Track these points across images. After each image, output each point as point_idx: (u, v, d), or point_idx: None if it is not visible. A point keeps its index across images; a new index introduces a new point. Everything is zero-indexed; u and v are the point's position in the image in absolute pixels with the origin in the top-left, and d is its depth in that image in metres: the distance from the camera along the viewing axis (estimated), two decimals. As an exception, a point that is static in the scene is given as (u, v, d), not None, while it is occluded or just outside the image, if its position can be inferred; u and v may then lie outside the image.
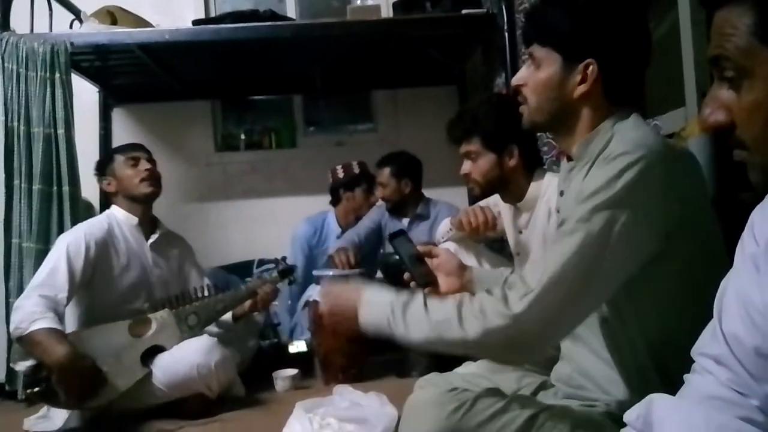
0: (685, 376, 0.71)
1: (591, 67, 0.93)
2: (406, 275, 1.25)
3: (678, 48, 1.60)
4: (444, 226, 1.93)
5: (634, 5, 0.99)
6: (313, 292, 2.27)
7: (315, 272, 2.39)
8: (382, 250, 2.87)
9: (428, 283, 1.22)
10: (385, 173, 2.74)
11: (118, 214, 2.12)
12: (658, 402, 0.66)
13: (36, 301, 1.78)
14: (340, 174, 2.89)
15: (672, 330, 0.87)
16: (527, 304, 0.82)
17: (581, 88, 0.95)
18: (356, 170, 2.90)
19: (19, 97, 2.33)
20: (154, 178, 2.12)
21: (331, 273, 2.31)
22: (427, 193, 2.88)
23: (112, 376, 1.79)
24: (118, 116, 3.41)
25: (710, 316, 0.82)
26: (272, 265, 2.27)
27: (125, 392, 1.82)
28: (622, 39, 0.94)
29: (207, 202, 3.51)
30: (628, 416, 0.71)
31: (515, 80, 1.03)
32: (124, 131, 3.41)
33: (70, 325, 1.96)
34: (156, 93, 3.34)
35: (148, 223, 2.16)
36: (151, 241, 2.13)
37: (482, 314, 0.85)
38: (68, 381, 1.69)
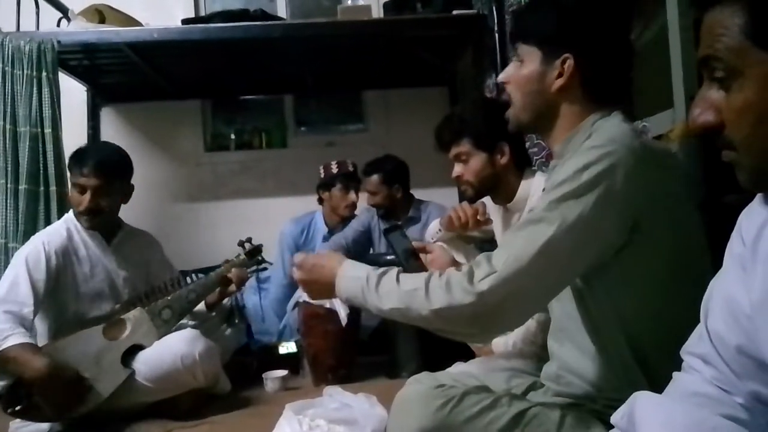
0: (674, 374, 0.72)
1: (568, 62, 0.97)
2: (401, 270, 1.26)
3: (666, 51, 1.62)
4: (433, 227, 1.94)
5: (616, 7, 1.03)
6: (303, 294, 2.26)
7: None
8: (372, 251, 2.87)
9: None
10: (374, 181, 2.72)
11: (76, 220, 2.00)
12: (641, 400, 0.67)
13: (2, 318, 1.71)
14: (333, 169, 2.87)
15: (650, 323, 0.90)
16: (490, 283, 0.85)
17: (558, 82, 0.98)
18: (350, 167, 2.87)
19: (5, 95, 2.31)
20: (90, 213, 1.93)
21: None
22: (417, 194, 2.88)
23: (94, 383, 1.77)
24: (106, 115, 3.39)
25: (688, 311, 0.85)
26: (240, 248, 2.23)
27: (111, 395, 1.80)
28: (600, 36, 0.98)
29: (197, 202, 3.49)
30: (614, 417, 0.72)
31: (501, 77, 1.06)
32: (112, 131, 3.39)
33: (41, 338, 1.92)
34: (145, 92, 3.32)
35: (108, 228, 2.05)
36: (112, 245, 2.04)
37: (448, 287, 0.87)
38: (51, 393, 1.66)
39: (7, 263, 2.24)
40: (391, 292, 0.92)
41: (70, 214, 2.04)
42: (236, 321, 2.44)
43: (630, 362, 0.90)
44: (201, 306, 2.12)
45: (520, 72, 1.02)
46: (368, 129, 3.72)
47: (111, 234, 2.06)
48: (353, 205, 2.87)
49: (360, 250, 2.84)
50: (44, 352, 1.71)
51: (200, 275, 2.13)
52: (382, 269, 0.97)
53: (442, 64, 3.14)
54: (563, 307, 1.01)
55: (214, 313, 2.19)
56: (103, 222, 1.99)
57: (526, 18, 1.05)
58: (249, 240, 2.28)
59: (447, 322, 0.89)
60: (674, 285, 0.89)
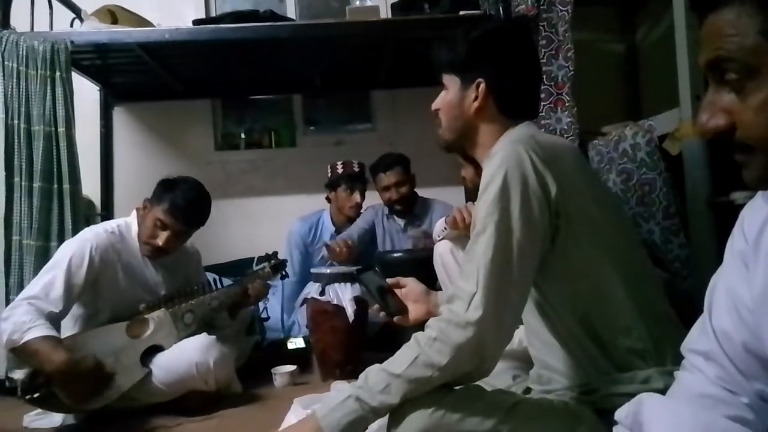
0: (675, 374, 0.72)
1: (481, 86, 1.09)
2: (376, 307, 1.30)
3: (672, 51, 1.62)
4: (439, 225, 1.95)
5: (519, 33, 1.16)
6: (311, 290, 2.29)
7: (312, 270, 2.40)
8: (377, 250, 2.89)
9: (399, 311, 1.28)
10: (397, 172, 2.75)
11: (133, 227, 2.02)
12: (648, 402, 0.67)
13: (26, 310, 1.72)
14: (339, 169, 2.89)
15: (592, 299, 0.97)
16: (477, 305, 0.89)
17: (475, 104, 1.09)
18: (355, 167, 2.89)
19: (19, 95, 2.34)
20: (159, 251, 1.98)
21: (327, 270, 2.33)
22: (424, 192, 2.90)
23: (114, 377, 1.79)
24: (118, 115, 3.42)
25: (624, 281, 0.95)
26: (265, 262, 2.28)
27: (125, 393, 1.83)
28: (506, 60, 1.09)
29: (206, 200, 3.51)
30: (618, 414, 0.72)
31: (433, 105, 1.17)
32: (124, 130, 3.43)
33: (68, 324, 1.94)
34: (156, 92, 3.35)
35: None
36: (158, 260, 2.06)
37: (442, 335, 0.90)
38: (71, 385, 1.68)
39: (20, 260, 2.28)
40: (389, 383, 0.90)
41: (129, 221, 2.04)
42: (256, 331, 2.48)
43: (586, 343, 0.97)
44: (224, 313, 2.15)
45: (445, 99, 1.14)
46: (376, 128, 3.74)
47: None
48: (358, 206, 2.87)
49: (365, 248, 2.87)
50: (65, 345, 1.72)
51: (225, 282, 2.16)
52: (358, 382, 0.94)
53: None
54: (528, 310, 1.07)
55: (233, 320, 2.21)
56: (153, 258, 2.03)
57: (444, 50, 1.15)
58: (275, 254, 2.32)
59: (462, 366, 0.90)
60: (609, 265, 0.96)
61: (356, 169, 2.88)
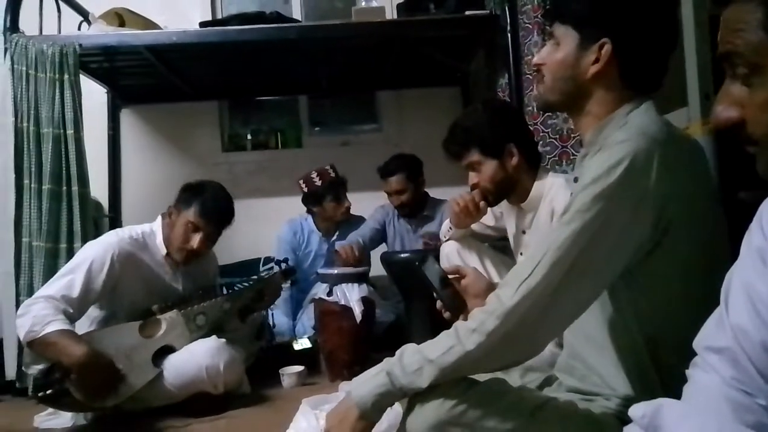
0: (688, 372, 0.71)
1: (605, 47, 0.92)
2: (438, 304, 1.21)
3: (681, 49, 1.61)
4: (445, 225, 1.95)
5: None
6: (318, 290, 2.29)
7: (320, 270, 2.41)
8: (386, 248, 2.89)
9: (457, 307, 1.19)
10: (399, 180, 2.73)
11: (157, 236, 2.02)
12: (667, 408, 0.65)
13: (44, 305, 1.74)
14: (317, 181, 2.76)
15: (669, 326, 0.87)
16: (520, 294, 0.82)
17: (594, 68, 0.94)
18: (331, 174, 2.78)
19: (28, 98, 2.35)
20: (192, 255, 2.01)
21: (335, 271, 2.33)
22: (433, 192, 2.90)
23: (126, 375, 1.81)
24: (126, 117, 3.44)
25: (707, 314, 0.83)
26: (275, 266, 2.30)
27: (135, 393, 1.83)
28: (641, 21, 0.92)
29: (213, 201, 3.53)
30: (634, 412, 0.70)
31: (536, 59, 1.02)
32: (132, 132, 3.45)
33: (84, 322, 1.95)
34: (164, 94, 3.37)
35: None
36: (182, 269, 2.07)
37: (479, 324, 0.85)
38: (88, 379, 1.69)
39: (30, 261, 2.30)
40: (422, 366, 0.88)
41: (154, 228, 2.04)
42: (264, 336, 2.49)
43: (645, 362, 0.89)
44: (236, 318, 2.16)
45: (555, 55, 0.97)
46: (382, 129, 3.74)
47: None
48: (348, 210, 2.83)
49: (375, 247, 2.87)
50: (84, 340, 1.74)
51: (237, 286, 2.17)
52: (392, 358, 0.92)
53: (455, 64, 3.15)
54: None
55: (244, 323, 2.22)
56: (185, 263, 2.04)
57: None
58: (286, 260, 2.37)
59: (489, 355, 0.86)
60: (696, 288, 0.86)
61: (333, 175, 2.79)
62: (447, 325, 0.98)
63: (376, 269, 2.56)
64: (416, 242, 2.73)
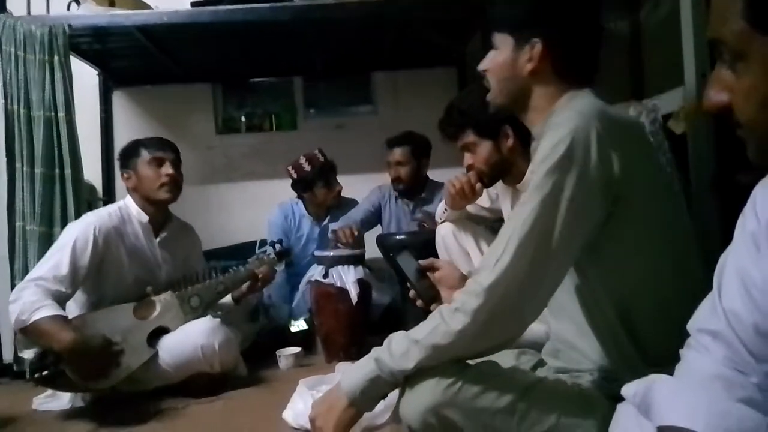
0: (681, 352, 0.72)
1: (536, 46, 1.01)
2: (412, 293, 1.25)
3: (677, 29, 1.60)
4: (441, 207, 1.96)
5: None
6: (315, 272, 2.30)
7: (316, 252, 2.41)
8: (381, 230, 2.89)
9: (433, 298, 1.23)
10: (402, 152, 2.73)
11: (131, 208, 2.06)
12: (659, 384, 0.66)
13: (34, 291, 1.75)
14: (306, 167, 2.73)
15: (639, 296, 0.92)
16: (497, 273, 0.87)
17: (529, 66, 1.02)
18: (321, 158, 2.75)
19: (18, 80, 2.32)
20: (174, 183, 2.05)
21: (331, 253, 2.34)
22: (429, 174, 2.89)
23: (120, 357, 1.81)
24: (118, 99, 3.41)
25: (676, 280, 0.88)
26: (269, 247, 2.29)
27: (131, 374, 1.84)
28: (567, 20, 1.02)
29: (208, 184, 3.52)
30: (626, 391, 0.71)
31: (480, 66, 1.11)
32: (124, 114, 3.42)
33: (73, 308, 1.96)
34: (156, 76, 3.33)
35: (160, 220, 2.12)
36: (160, 238, 2.10)
37: (462, 305, 0.89)
38: (80, 363, 1.69)
39: (24, 245, 2.29)
40: (409, 348, 0.92)
41: (127, 201, 2.08)
42: (260, 318, 2.49)
43: (622, 337, 0.93)
44: (228, 298, 2.17)
45: (496, 60, 1.07)
46: (377, 111, 3.72)
47: (160, 227, 2.11)
48: (339, 195, 2.82)
49: (369, 229, 2.87)
50: (74, 325, 1.74)
51: (232, 269, 2.17)
52: (380, 346, 0.95)
53: (451, 45, 3.12)
54: (562, 287, 1.01)
55: (238, 305, 2.23)
56: (173, 199, 2.08)
57: (497, 7, 1.10)
58: (280, 241, 2.36)
59: (475, 335, 0.89)
60: (660, 258, 0.92)
61: (322, 159, 2.75)
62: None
63: (372, 251, 2.56)
64: (413, 225, 2.73)
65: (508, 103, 1.08)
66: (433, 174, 2.88)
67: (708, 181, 1.52)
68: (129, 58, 3.04)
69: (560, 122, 0.92)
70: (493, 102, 1.10)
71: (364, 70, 3.65)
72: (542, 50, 1.01)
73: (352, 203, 2.92)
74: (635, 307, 0.92)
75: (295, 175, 2.77)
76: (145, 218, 2.06)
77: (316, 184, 2.75)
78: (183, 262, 2.19)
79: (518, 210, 0.91)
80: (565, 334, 1.04)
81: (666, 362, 0.88)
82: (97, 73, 3.21)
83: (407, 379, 0.94)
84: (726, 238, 0.70)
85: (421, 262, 1.29)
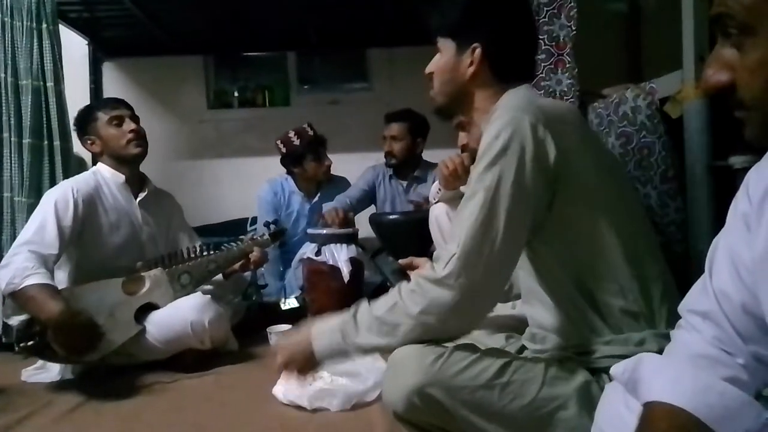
0: (672, 333, 0.73)
1: (477, 51, 1.07)
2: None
3: (674, 11, 1.59)
4: (434, 187, 1.95)
5: None
6: (307, 250, 2.29)
7: (309, 230, 2.40)
8: (375, 209, 2.89)
9: None
10: (399, 127, 2.73)
11: (104, 172, 2.07)
12: (646, 361, 0.67)
13: (26, 257, 1.75)
14: (295, 141, 2.69)
15: (588, 265, 0.98)
16: (453, 265, 0.92)
17: (470, 70, 1.08)
18: (310, 132, 2.70)
19: (5, 47, 2.27)
20: (140, 138, 2.05)
21: (324, 231, 2.33)
22: (424, 154, 2.88)
23: (106, 332, 1.79)
24: (108, 70, 3.35)
25: (622, 246, 0.95)
26: (264, 228, 2.28)
27: (120, 348, 1.84)
28: (502, 27, 1.08)
29: (200, 159, 3.49)
30: (615, 370, 0.73)
31: (427, 69, 1.15)
32: (114, 86, 3.36)
33: (62, 283, 1.94)
34: (147, 47, 3.28)
35: (136, 181, 2.12)
36: (139, 198, 2.10)
37: (420, 288, 0.95)
38: (64, 336, 1.68)
39: (12, 217, 2.27)
40: (370, 323, 0.97)
41: (99, 167, 2.09)
42: (253, 297, 2.49)
43: (584, 307, 0.98)
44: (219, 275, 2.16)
45: (439, 63, 1.12)
46: (372, 88, 3.68)
47: (138, 189, 2.11)
48: (329, 169, 2.78)
49: (363, 209, 2.86)
50: (62, 297, 1.73)
51: (225, 246, 2.16)
52: (348, 313, 1.00)
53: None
54: (523, 269, 1.08)
55: (228, 281, 2.23)
56: (144, 153, 2.07)
57: (439, 13, 1.12)
58: (275, 222, 2.35)
59: (435, 320, 0.94)
60: (602, 227, 0.97)
61: (311, 133, 2.71)
62: None
63: (365, 230, 2.56)
64: (407, 204, 2.72)
65: (449, 104, 1.13)
66: (428, 155, 2.86)
67: (702, 164, 1.52)
68: (119, 28, 2.98)
69: (496, 118, 0.98)
70: (436, 102, 1.15)
71: (360, 45, 3.61)
72: (481, 54, 1.06)
73: (342, 180, 2.91)
74: (590, 276, 0.97)
75: (284, 149, 2.74)
76: (122, 178, 2.06)
77: (306, 158, 2.71)
78: (166, 228, 2.19)
79: (464, 204, 0.96)
80: (537, 317, 1.09)
81: (627, 326, 0.96)
82: (86, 43, 3.15)
83: (391, 362, 0.97)
84: (719, 222, 0.71)
85: (400, 261, 1.32)
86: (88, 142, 2.07)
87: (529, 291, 1.10)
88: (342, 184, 2.89)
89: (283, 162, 2.80)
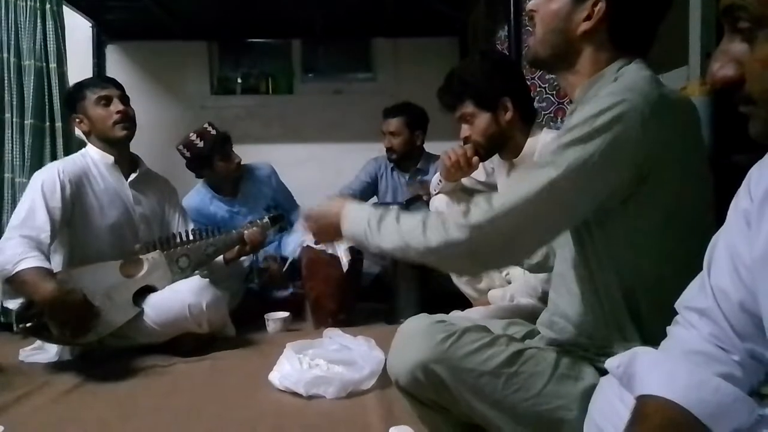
0: (668, 329, 0.73)
1: (599, 5, 0.92)
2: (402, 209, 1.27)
3: (681, 5, 1.57)
4: (435, 179, 1.94)
5: None
6: (306, 238, 2.29)
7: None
8: (377, 200, 2.89)
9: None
10: (397, 122, 2.72)
11: (93, 153, 2.04)
12: (641, 356, 0.67)
13: (19, 242, 1.73)
14: (199, 143, 2.53)
15: (648, 277, 0.89)
16: (485, 220, 0.86)
17: (585, 25, 0.93)
18: (212, 131, 2.55)
19: (8, 27, 2.26)
20: (128, 119, 2.02)
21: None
22: (426, 146, 2.87)
23: (103, 314, 1.80)
24: (111, 53, 3.34)
25: (689, 266, 0.81)
26: (264, 212, 2.28)
27: (118, 330, 1.84)
28: None
29: (201, 145, 3.47)
30: (610, 364, 0.73)
31: (530, 5, 1.00)
32: (117, 69, 3.34)
33: (59, 266, 1.93)
34: (151, 31, 3.26)
35: (126, 162, 2.09)
36: (130, 179, 2.08)
37: (444, 225, 0.89)
38: (60, 317, 1.69)
39: (13, 197, 2.27)
40: (392, 232, 0.95)
41: (88, 148, 2.06)
42: (255, 281, 2.48)
43: (623, 314, 0.91)
44: (219, 259, 2.16)
45: (549, 5, 0.96)
46: (376, 78, 3.67)
47: (129, 170, 2.09)
48: (239, 165, 2.63)
49: (365, 201, 2.85)
50: (58, 279, 1.73)
51: (224, 230, 2.15)
52: (381, 211, 0.99)
53: (454, 13, 3.06)
54: (562, 252, 1.01)
55: (228, 266, 2.21)
56: (131, 135, 2.04)
57: None
58: (275, 206, 2.35)
59: (442, 258, 0.92)
60: (675, 241, 0.88)
61: (214, 132, 2.55)
62: (433, 283, 1.02)
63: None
64: (409, 196, 2.72)
65: (549, 57, 0.98)
66: (430, 146, 2.86)
67: (708, 158, 1.51)
68: (123, 11, 2.96)
69: (607, 94, 0.86)
70: (533, 51, 1.00)
71: (365, 35, 3.59)
72: (605, 11, 0.92)
73: (259, 170, 2.74)
74: (642, 286, 0.89)
75: (188, 154, 2.55)
76: (111, 159, 2.04)
77: (213, 159, 2.55)
78: (160, 209, 2.17)
79: (531, 171, 0.87)
80: (564, 308, 1.02)
81: (660, 337, 0.88)
82: (90, 25, 3.14)
83: (399, 334, 0.97)
84: (720, 221, 0.70)
85: None
86: (77, 120, 2.05)
87: (559, 275, 1.03)
88: (259, 174, 2.73)
89: (189, 166, 2.60)
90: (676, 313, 0.83)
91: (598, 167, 0.83)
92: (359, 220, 1.00)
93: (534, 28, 1.00)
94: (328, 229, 1.07)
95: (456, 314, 1.38)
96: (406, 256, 0.94)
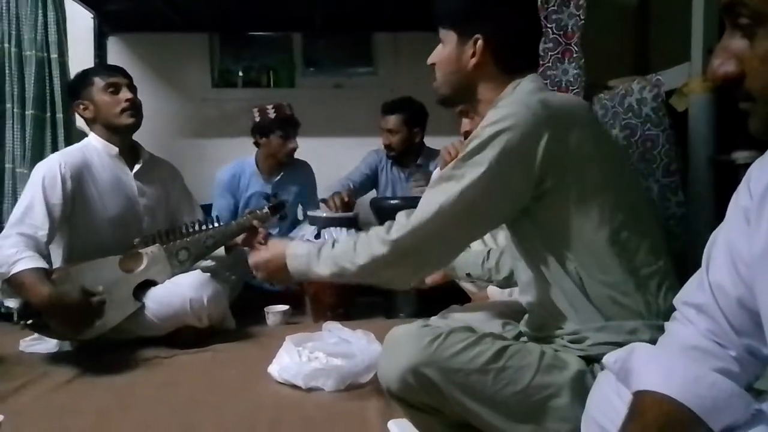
0: (666, 325, 0.74)
1: (479, 42, 1.06)
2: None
3: (685, 4, 1.57)
4: (435, 173, 1.94)
5: None
6: (306, 233, 2.29)
7: (309, 213, 2.40)
8: (376, 193, 2.89)
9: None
10: (395, 120, 2.71)
11: (96, 143, 2.01)
12: (638, 351, 0.68)
13: (15, 241, 1.71)
14: (270, 113, 2.66)
15: (585, 259, 0.98)
16: (403, 233, 1.00)
17: (473, 61, 1.07)
18: (287, 111, 2.68)
19: (9, 17, 2.26)
20: (135, 107, 2.00)
21: (324, 214, 2.33)
22: (427, 141, 2.87)
23: (104, 310, 1.79)
24: (113, 45, 3.32)
25: (621, 242, 0.95)
26: (264, 201, 2.27)
27: (118, 325, 1.84)
28: (504, 17, 1.07)
29: (202, 138, 3.47)
30: (607, 359, 0.73)
31: (429, 60, 1.15)
32: (118, 60, 3.31)
33: (59, 260, 1.94)
34: (153, 23, 3.24)
35: (130, 152, 2.07)
36: (135, 170, 2.06)
37: (369, 242, 1.03)
38: (58, 318, 1.67)
39: (14, 188, 2.27)
40: (327, 257, 1.08)
41: (90, 138, 2.04)
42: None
43: (579, 299, 0.97)
44: (220, 249, 2.14)
45: (442, 54, 1.12)
46: (377, 72, 3.66)
47: (133, 160, 2.07)
48: (293, 152, 2.72)
49: (364, 193, 2.86)
50: (55, 278, 1.72)
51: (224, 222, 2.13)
52: (320, 244, 1.11)
53: (457, 7, 3.04)
54: (519, 261, 1.08)
55: (228, 256, 2.20)
56: (138, 123, 2.03)
57: (441, 4, 1.13)
58: (275, 194, 2.34)
59: (372, 273, 1.05)
60: (602, 221, 0.96)
61: (288, 113, 2.68)
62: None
63: (365, 215, 2.55)
64: (409, 191, 2.72)
65: (453, 94, 1.14)
66: (431, 141, 2.85)
67: (705, 158, 1.52)
68: (125, 2, 2.95)
69: (497, 108, 0.99)
70: (440, 93, 1.15)
71: (366, 29, 3.57)
72: (483, 45, 1.06)
73: (305, 166, 2.83)
74: (583, 268, 0.98)
75: (257, 117, 2.69)
76: (115, 150, 2.02)
77: (274, 132, 2.65)
78: (166, 197, 2.15)
79: (440, 183, 0.99)
80: (534, 306, 1.10)
81: (620, 317, 0.95)
82: (92, 16, 3.12)
83: (388, 340, 1.00)
84: (720, 217, 0.70)
85: None
86: (81, 107, 2.01)
87: (524, 280, 1.10)
88: (305, 169, 2.82)
89: (253, 131, 2.73)
90: (625, 287, 0.94)
91: (496, 173, 0.94)
92: (300, 256, 1.12)
93: (437, 77, 1.14)
94: (277, 272, 1.19)
95: (454, 311, 1.39)
96: (344, 277, 1.07)
